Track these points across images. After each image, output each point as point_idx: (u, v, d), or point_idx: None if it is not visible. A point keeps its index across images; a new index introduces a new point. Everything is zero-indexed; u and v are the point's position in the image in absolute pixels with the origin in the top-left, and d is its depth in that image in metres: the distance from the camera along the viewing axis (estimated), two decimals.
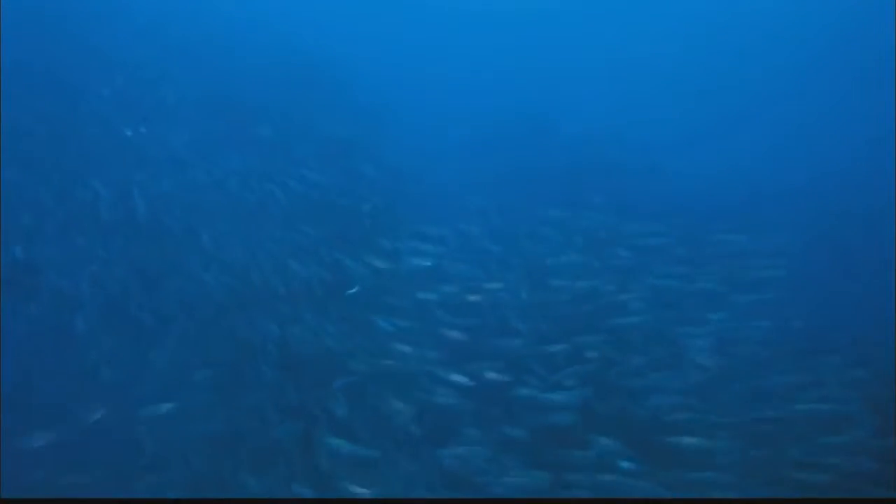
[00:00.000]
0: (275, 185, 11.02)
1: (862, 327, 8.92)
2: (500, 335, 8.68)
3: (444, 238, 10.75)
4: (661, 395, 7.62)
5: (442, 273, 9.83)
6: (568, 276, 9.51)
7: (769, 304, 9.33)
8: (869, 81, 18.69)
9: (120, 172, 10.59)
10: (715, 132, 17.63)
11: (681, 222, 11.24)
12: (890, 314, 8.90)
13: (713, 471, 6.63)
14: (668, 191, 13.22)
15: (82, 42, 13.19)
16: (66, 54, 12.71)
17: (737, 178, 14.44)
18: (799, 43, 22.11)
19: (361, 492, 6.61)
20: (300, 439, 7.30)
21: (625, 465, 6.68)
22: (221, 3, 16.84)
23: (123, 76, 12.93)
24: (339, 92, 15.60)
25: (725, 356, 8.37)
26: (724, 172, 14.60)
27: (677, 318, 8.83)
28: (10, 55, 11.64)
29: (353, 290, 7.45)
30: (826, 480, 6.51)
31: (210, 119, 12.70)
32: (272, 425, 7.47)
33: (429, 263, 9.90)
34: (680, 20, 24.08)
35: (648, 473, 6.60)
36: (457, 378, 7.81)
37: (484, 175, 13.58)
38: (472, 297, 9.10)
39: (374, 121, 15.00)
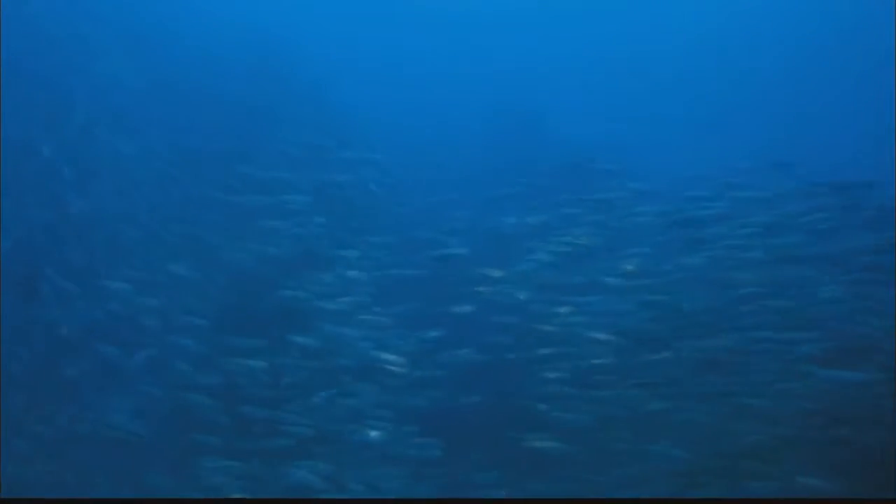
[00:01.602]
0: (254, 188, 11.12)
1: None
2: None
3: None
4: None
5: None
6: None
7: None
8: (868, 83, 18.63)
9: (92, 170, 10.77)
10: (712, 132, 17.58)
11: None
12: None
13: None
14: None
15: (45, 31, 12.70)
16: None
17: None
18: (796, 42, 22.05)
19: None
20: None
21: None
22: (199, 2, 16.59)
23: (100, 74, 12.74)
24: (319, 91, 15.28)
25: None
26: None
27: None
28: None
29: None
30: None
31: (191, 119, 12.68)
32: None
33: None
34: (673, 21, 24.02)
35: None
36: None
37: (466, 175, 13.57)
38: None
39: (357, 121, 14.68)
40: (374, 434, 8.44)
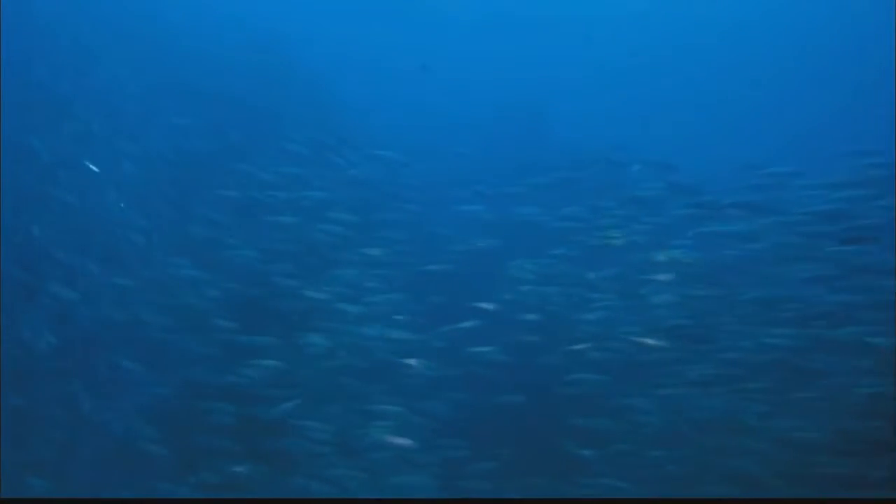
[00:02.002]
0: (257, 187, 10.94)
1: None
2: None
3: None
4: None
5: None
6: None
7: None
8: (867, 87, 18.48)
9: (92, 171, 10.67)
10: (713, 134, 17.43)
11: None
12: None
13: None
14: None
15: (45, 33, 12.72)
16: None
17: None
18: (796, 44, 22.01)
19: None
20: None
21: None
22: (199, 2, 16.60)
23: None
24: (322, 90, 15.22)
25: None
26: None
27: None
28: None
29: None
30: None
31: (191, 118, 12.55)
32: None
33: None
34: (674, 22, 23.99)
35: None
36: None
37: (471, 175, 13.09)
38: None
39: (363, 119, 14.58)
40: (392, 436, 8.06)
